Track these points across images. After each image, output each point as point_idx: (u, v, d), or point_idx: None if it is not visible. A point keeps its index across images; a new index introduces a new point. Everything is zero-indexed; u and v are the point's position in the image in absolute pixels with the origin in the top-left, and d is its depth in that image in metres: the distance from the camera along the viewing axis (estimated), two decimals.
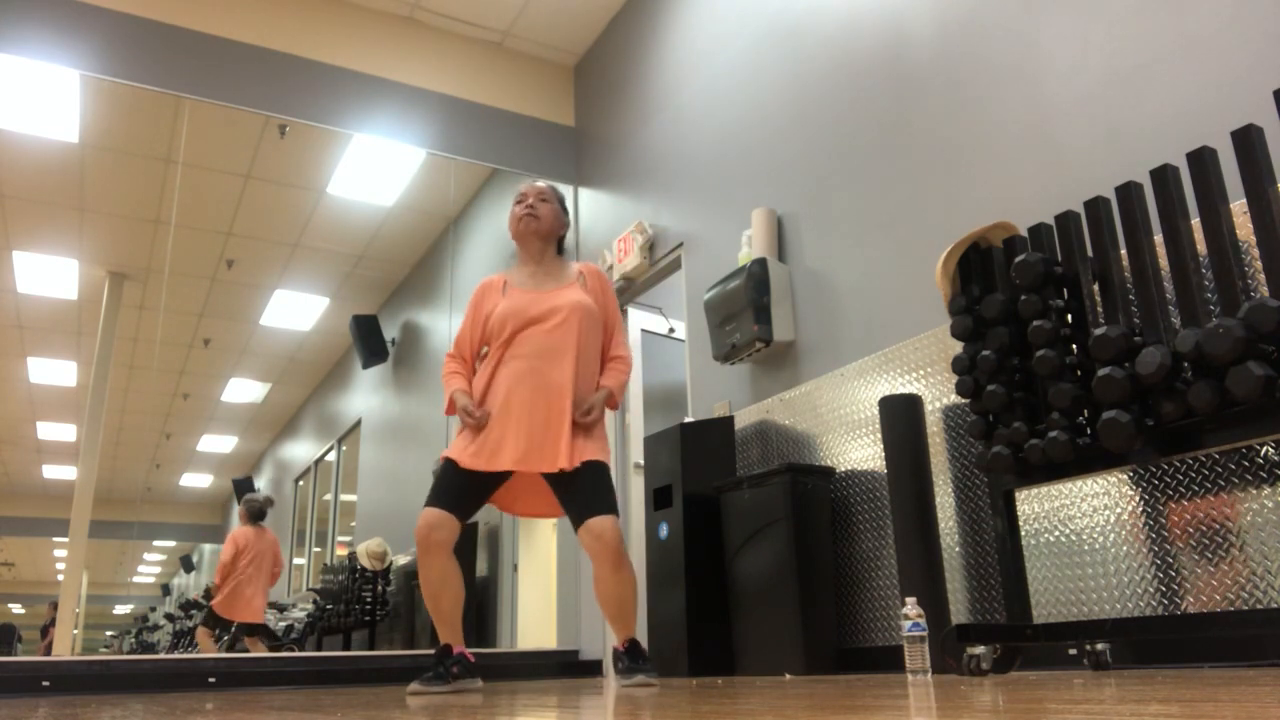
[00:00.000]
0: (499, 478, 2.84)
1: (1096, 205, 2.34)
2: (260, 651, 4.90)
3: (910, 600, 2.39)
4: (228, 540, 4.99)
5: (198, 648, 4.82)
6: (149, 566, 5.05)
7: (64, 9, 4.75)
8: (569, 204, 6.08)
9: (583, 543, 2.70)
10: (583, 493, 2.72)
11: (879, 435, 3.29)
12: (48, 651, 4.69)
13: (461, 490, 2.76)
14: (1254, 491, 2.19)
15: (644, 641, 3.91)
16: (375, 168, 5.62)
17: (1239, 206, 2.28)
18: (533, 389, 2.79)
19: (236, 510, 5.14)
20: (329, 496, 5.71)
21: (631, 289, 5.32)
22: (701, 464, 3.80)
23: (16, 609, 4.84)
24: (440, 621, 2.74)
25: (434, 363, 5.72)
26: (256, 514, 5.10)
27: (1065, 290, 2.39)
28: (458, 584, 2.73)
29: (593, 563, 2.70)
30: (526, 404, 2.77)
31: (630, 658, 2.69)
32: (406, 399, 5.74)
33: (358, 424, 5.78)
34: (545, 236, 3.00)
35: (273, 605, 5.12)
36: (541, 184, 3.05)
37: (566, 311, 2.85)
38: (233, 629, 4.88)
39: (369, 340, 5.60)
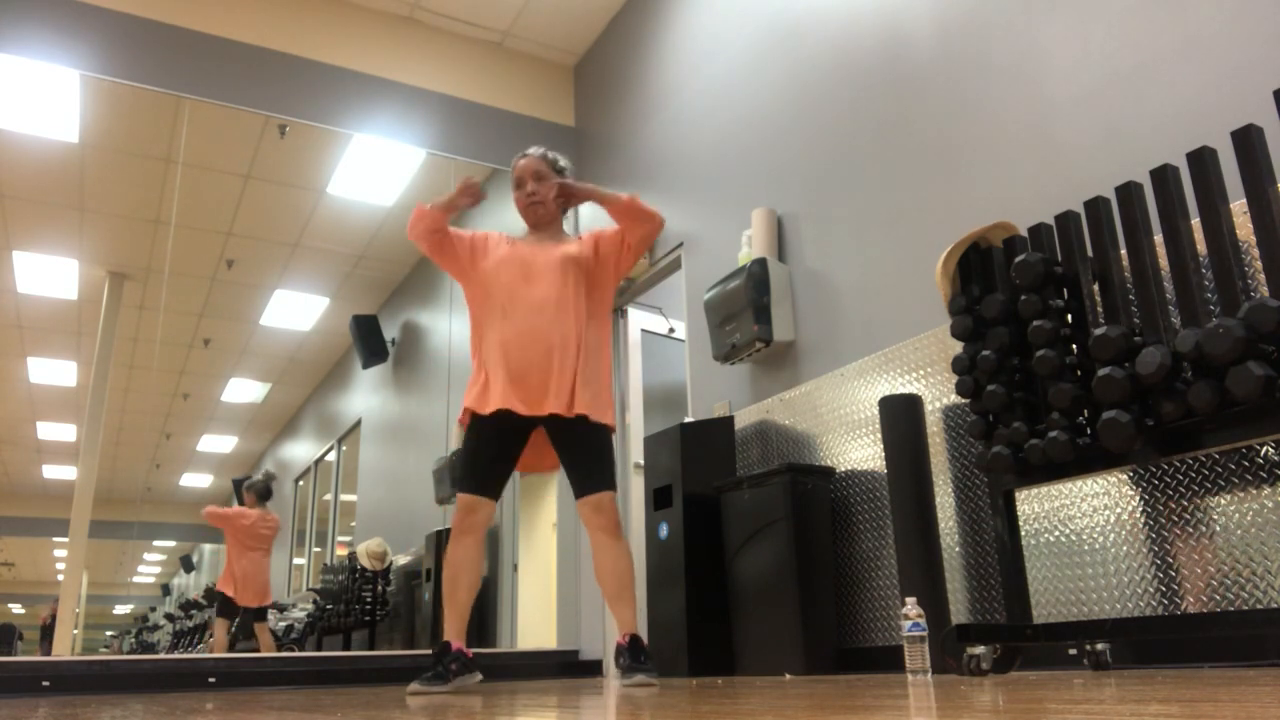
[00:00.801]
0: (517, 439, 2.88)
1: (1096, 205, 2.34)
2: (267, 639, 4.90)
3: (910, 600, 2.39)
4: (233, 511, 4.97)
5: (213, 639, 4.82)
6: (149, 566, 5.05)
7: (64, 9, 4.75)
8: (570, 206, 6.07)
9: (581, 514, 2.81)
10: (585, 464, 2.81)
11: (879, 435, 3.29)
12: (46, 640, 4.69)
13: (486, 466, 2.83)
14: (1254, 491, 2.19)
15: (644, 638, 3.91)
16: (375, 168, 5.62)
17: (1239, 206, 2.28)
18: (535, 338, 2.83)
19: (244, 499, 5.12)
20: (329, 496, 5.71)
21: (631, 289, 5.32)
22: (701, 464, 3.80)
23: (16, 609, 4.84)
24: (451, 609, 2.77)
25: (434, 363, 5.72)
26: (264, 494, 5.09)
27: (1065, 290, 2.39)
28: (478, 572, 2.80)
29: (590, 535, 2.80)
30: (530, 351, 2.82)
31: (631, 655, 2.69)
32: (406, 399, 5.74)
33: (358, 424, 5.78)
34: (553, 216, 3.09)
35: (272, 605, 5.12)
36: (534, 154, 3.07)
37: (559, 265, 2.92)
38: (238, 617, 4.87)
39: (369, 340, 5.60)
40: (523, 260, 2.94)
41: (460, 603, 2.78)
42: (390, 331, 5.70)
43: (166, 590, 5.12)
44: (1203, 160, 2.09)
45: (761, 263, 3.81)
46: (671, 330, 5.67)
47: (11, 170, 4.67)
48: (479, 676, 2.79)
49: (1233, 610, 2.20)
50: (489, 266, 2.97)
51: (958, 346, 3.03)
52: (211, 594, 4.95)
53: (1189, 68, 2.50)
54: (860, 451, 3.39)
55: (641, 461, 4.66)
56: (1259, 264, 2.21)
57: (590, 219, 5.88)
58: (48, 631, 4.95)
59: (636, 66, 5.50)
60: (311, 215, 5.52)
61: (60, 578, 4.39)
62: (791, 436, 3.73)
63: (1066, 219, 2.42)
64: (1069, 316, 2.36)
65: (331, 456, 5.78)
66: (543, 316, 2.85)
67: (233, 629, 4.87)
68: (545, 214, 3.03)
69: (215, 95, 5.02)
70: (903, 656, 2.48)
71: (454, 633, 2.76)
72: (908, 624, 2.35)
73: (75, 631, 4.36)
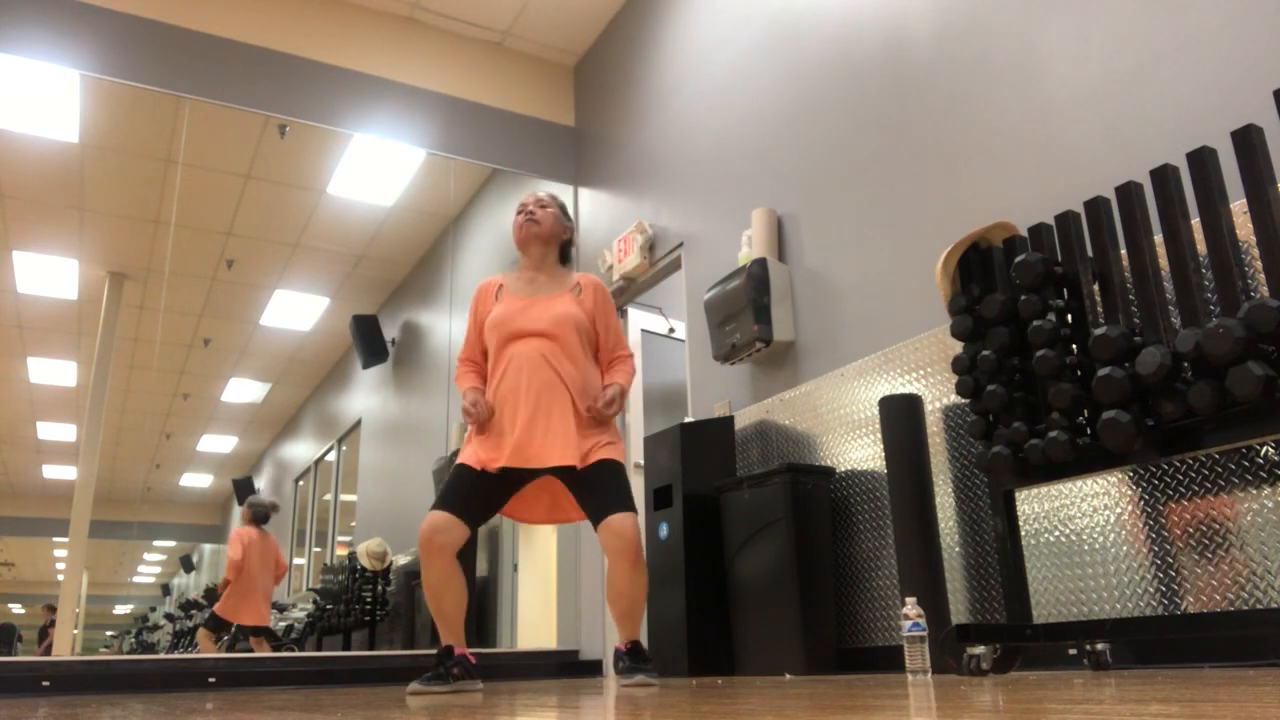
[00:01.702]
0: (511, 486, 2.84)
1: (1096, 205, 2.34)
2: (265, 652, 4.90)
3: (910, 600, 2.39)
4: (233, 539, 4.99)
5: (198, 650, 4.83)
6: (149, 566, 5.04)
7: (64, 9, 4.75)
8: (570, 205, 6.07)
9: (602, 540, 2.71)
10: (602, 491, 2.73)
11: (879, 435, 3.29)
12: (46, 653, 4.69)
13: (470, 494, 2.76)
14: (1254, 491, 2.19)
15: (644, 642, 3.91)
16: (375, 168, 5.62)
17: (1239, 206, 2.28)
18: (536, 391, 2.79)
19: (239, 511, 5.14)
20: (329, 496, 5.71)
21: (631, 289, 5.32)
22: (701, 464, 3.80)
23: (16, 609, 4.84)
24: (442, 622, 2.74)
25: (434, 363, 5.71)
26: (261, 518, 5.10)
27: (1065, 290, 2.39)
28: (460, 586, 2.74)
29: (610, 559, 2.71)
30: (531, 405, 2.78)
31: (631, 658, 2.69)
32: (406, 399, 5.74)
33: (358, 424, 5.78)
34: (546, 241, 3.03)
35: (273, 605, 5.13)
36: (542, 193, 3.10)
37: (556, 323, 2.86)
38: (233, 630, 4.88)
39: (369, 340, 5.59)
40: (518, 314, 2.90)
41: (450, 617, 2.73)
42: (390, 331, 5.70)
43: (166, 590, 5.12)
44: (1203, 160, 2.09)
45: (761, 263, 3.81)
46: (671, 330, 5.67)
47: (11, 170, 4.67)
48: (479, 685, 2.78)
49: (1233, 610, 2.20)
50: (487, 326, 2.95)
51: (958, 346, 3.03)
52: (212, 594, 4.95)
53: (1189, 68, 2.50)
54: (860, 451, 3.39)
55: (641, 461, 4.66)
56: (1259, 264, 2.21)
57: (587, 232, 5.88)
58: (41, 632, 4.96)
59: (636, 66, 5.50)
60: (311, 215, 5.52)
61: (60, 578, 4.39)
62: (791, 436, 3.73)
63: (1066, 219, 2.42)
64: (1069, 316, 2.36)
65: (331, 456, 5.78)
66: (542, 372, 2.81)
67: (224, 638, 4.87)
68: (539, 233, 2.99)
69: (215, 95, 5.02)
70: (903, 656, 2.49)
71: (453, 639, 2.75)
72: (908, 624, 2.35)
73: (75, 631, 4.36)
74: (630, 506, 2.72)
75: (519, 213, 3.04)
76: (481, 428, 2.82)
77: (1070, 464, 2.30)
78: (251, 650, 4.86)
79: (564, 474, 2.81)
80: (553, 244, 3.05)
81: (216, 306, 5.27)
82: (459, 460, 2.83)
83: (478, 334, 3.01)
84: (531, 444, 2.75)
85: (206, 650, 4.80)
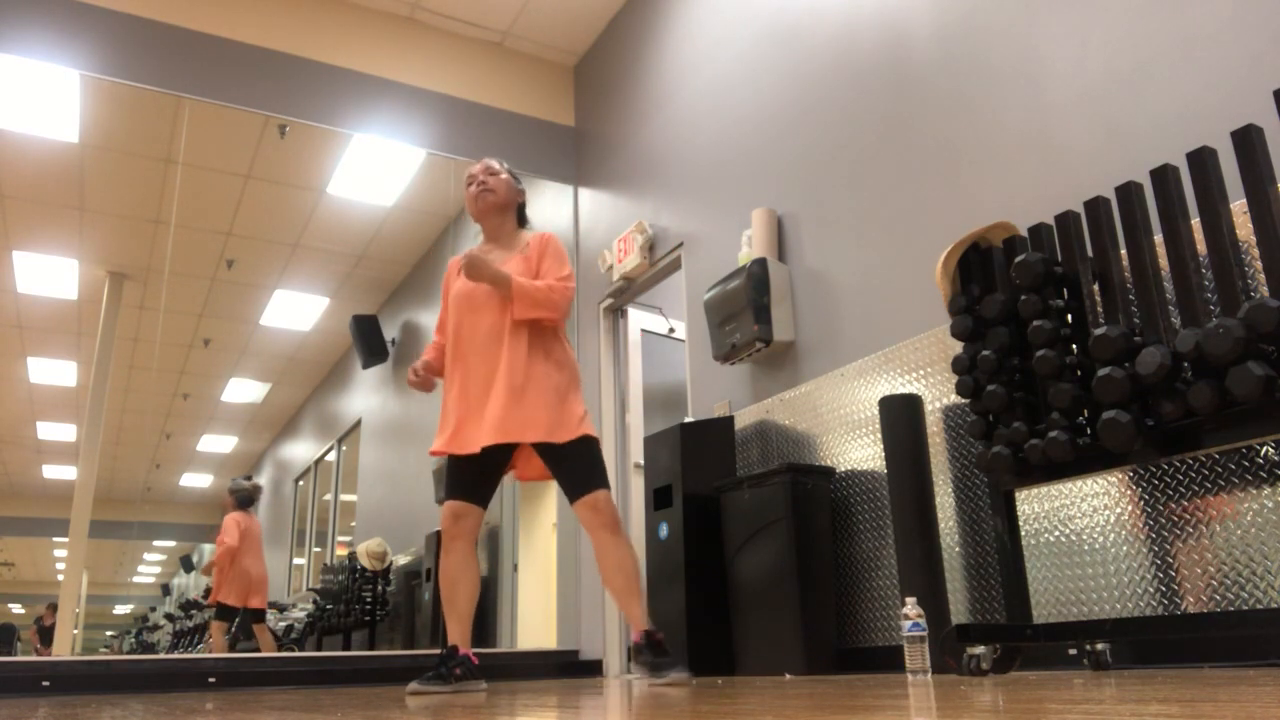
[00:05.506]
0: (500, 458, 2.87)
1: (1096, 205, 2.34)
2: (268, 639, 4.91)
3: (910, 600, 2.39)
4: (229, 523, 4.98)
5: (211, 641, 4.82)
6: (149, 566, 5.04)
7: (64, 9, 4.75)
8: (570, 205, 6.08)
9: (579, 517, 2.78)
10: (575, 470, 2.77)
11: (879, 435, 3.29)
12: (41, 644, 4.69)
13: (469, 476, 2.82)
14: (1254, 491, 2.19)
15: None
16: (375, 168, 5.62)
17: (1239, 206, 2.28)
18: (489, 365, 2.81)
19: (228, 498, 5.12)
20: (329, 496, 5.71)
21: (631, 289, 5.32)
22: (701, 464, 3.80)
23: (16, 609, 4.84)
24: (452, 616, 2.76)
25: None
26: (245, 501, 5.10)
27: (1065, 290, 2.39)
28: (474, 578, 2.78)
29: (591, 535, 2.77)
30: (480, 387, 2.80)
31: (652, 652, 2.68)
32: (406, 399, 5.74)
33: (358, 424, 5.78)
34: (503, 210, 3.04)
35: (272, 605, 5.12)
36: (491, 160, 3.10)
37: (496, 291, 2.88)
38: (236, 619, 4.87)
39: (369, 340, 5.59)
40: (464, 296, 2.90)
41: (461, 610, 2.77)
42: (390, 331, 5.70)
43: (166, 590, 5.12)
44: (1203, 160, 2.09)
45: (761, 263, 3.81)
46: (671, 330, 5.67)
47: (11, 170, 4.67)
48: (484, 685, 2.78)
49: (1233, 610, 2.20)
50: (450, 303, 2.97)
51: (958, 346, 3.03)
52: (210, 594, 4.95)
53: (1189, 68, 2.50)
54: (860, 451, 3.39)
55: (641, 461, 4.66)
56: (1259, 264, 2.22)
57: (587, 232, 5.88)
58: (46, 633, 4.95)
59: (636, 66, 5.50)
60: (311, 215, 5.52)
61: (60, 578, 4.39)
62: (791, 436, 3.73)
63: (1066, 219, 2.42)
64: (1069, 316, 2.36)
65: (331, 456, 5.78)
66: (488, 349, 2.81)
67: (232, 629, 4.87)
68: (496, 201, 3.00)
69: (215, 95, 5.02)
70: (903, 656, 2.48)
71: (459, 639, 2.76)
72: (908, 624, 2.35)
73: (75, 631, 4.36)
74: (602, 484, 2.77)
75: (470, 184, 3.03)
76: (422, 386, 2.93)
77: (1070, 464, 2.30)
78: (251, 648, 4.86)
79: (537, 445, 2.82)
80: (509, 209, 3.05)
81: (216, 306, 5.27)
82: (433, 450, 2.84)
83: (445, 312, 3.04)
84: (483, 430, 2.74)
85: (218, 642, 4.80)
